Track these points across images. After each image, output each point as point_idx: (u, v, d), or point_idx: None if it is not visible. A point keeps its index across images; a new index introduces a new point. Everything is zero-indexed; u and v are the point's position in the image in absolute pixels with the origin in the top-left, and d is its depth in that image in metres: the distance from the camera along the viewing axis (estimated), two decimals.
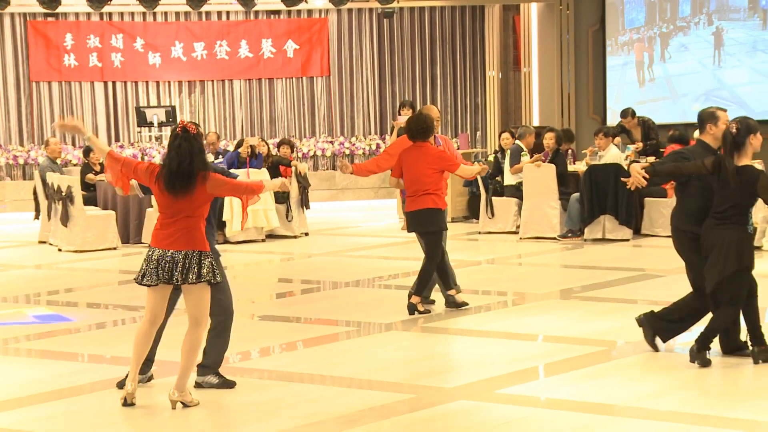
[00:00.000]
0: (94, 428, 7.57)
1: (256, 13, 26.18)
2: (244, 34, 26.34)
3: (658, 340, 9.23)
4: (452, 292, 11.46)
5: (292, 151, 19.58)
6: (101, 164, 19.09)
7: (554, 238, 17.10)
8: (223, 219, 17.10)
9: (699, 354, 8.59)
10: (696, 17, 24.10)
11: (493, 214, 18.23)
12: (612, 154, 17.32)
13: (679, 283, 11.56)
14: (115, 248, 17.26)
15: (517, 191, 17.91)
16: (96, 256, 16.61)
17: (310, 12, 26.47)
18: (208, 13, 26.10)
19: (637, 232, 17.11)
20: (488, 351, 9.61)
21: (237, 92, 26.45)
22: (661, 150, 17.87)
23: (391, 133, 18.46)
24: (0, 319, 11.74)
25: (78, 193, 17.12)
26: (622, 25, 24.79)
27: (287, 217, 18.32)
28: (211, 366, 8.39)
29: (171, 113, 24.49)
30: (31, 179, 22.24)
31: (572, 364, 8.95)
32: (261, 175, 17.45)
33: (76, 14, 25.57)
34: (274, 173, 18.50)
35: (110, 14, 25.63)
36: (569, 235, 17.12)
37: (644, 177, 8.83)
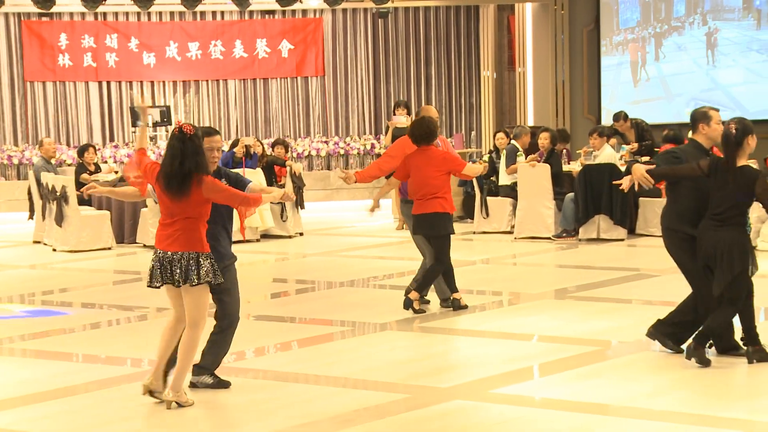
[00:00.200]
0: (90, 428, 7.57)
1: (251, 13, 26.17)
2: (239, 34, 26.32)
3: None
4: (456, 295, 11.49)
5: (287, 151, 19.57)
6: (96, 164, 19.09)
7: (549, 238, 17.11)
8: None
9: (696, 352, 8.58)
10: (690, 17, 24.12)
11: (487, 214, 18.24)
12: (606, 154, 17.33)
13: (673, 283, 11.57)
14: (109, 248, 17.25)
15: (511, 191, 17.92)
16: (90, 256, 16.61)
17: (304, 12, 26.45)
18: (202, 13, 26.09)
19: (632, 231, 17.12)
20: (483, 351, 9.62)
21: (232, 92, 26.43)
22: (656, 150, 17.87)
23: (386, 133, 18.49)
24: None
25: (72, 193, 17.11)
26: (616, 25, 24.81)
27: (282, 217, 18.32)
28: (207, 367, 8.38)
29: (166, 113, 24.46)
30: (25, 179, 22.21)
31: (567, 364, 8.95)
32: (256, 175, 17.44)
33: (71, 14, 25.54)
34: (269, 173, 18.50)
35: (105, 14, 25.61)
36: (564, 235, 17.13)
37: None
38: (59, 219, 17.12)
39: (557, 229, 17.20)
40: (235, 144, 18.51)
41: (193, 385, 8.29)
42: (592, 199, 16.71)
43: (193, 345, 7.90)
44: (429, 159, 11.19)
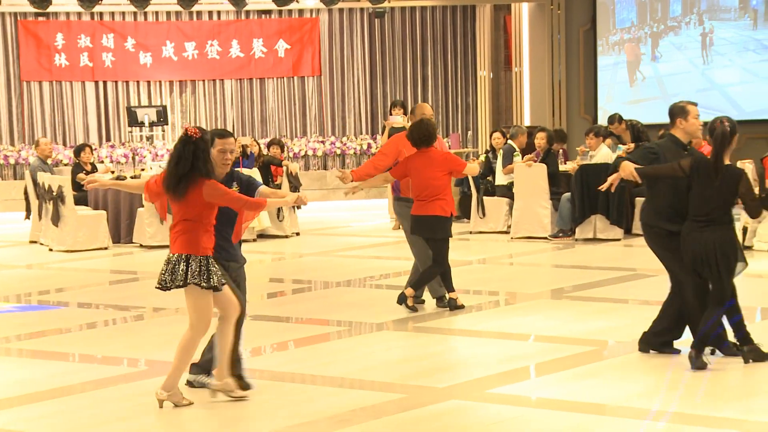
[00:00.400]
0: (86, 428, 7.56)
1: (247, 12, 26.17)
2: (235, 34, 26.32)
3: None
4: (453, 295, 11.50)
5: (282, 151, 19.58)
6: (92, 164, 19.09)
7: (545, 238, 17.11)
8: None
9: (698, 360, 8.56)
10: (687, 17, 24.14)
11: (484, 214, 18.25)
12: (603, 153, 17.33)
13: (669, 282, 11.59)
14: (106, 248, 17.24)
15: (508, 191, 17.92)
16: (87, 256, 16.60)
17: (301, 12, 26.46)
18: (199, 13, 26.09)
19: (628, 231, 17.12)
20: (479, 351, 9.62)
21: (228, 92, 26.43)
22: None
23: (383, 133, 18.47)
24: None
25: (69, 193, 17.11)
26: (613, 25, 24.82)
27: (278, 217, 18.32)
28: (203, 366, 8.37)
29: (162, 113, 24.45)
30: (22, 179, 22.21)
31: (563, 364, 8.95)
32: (252, 174, 17.43)
33: (67, 14, 25.53)
34: (266, 173, 18.50)
35: (101, 14, 25.61)
36: (560, 234, 17.14)
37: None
38: (56, 219, 17.11)
39: (554, 229, 17.21)
40: None
41: (189, 384, 8.29)
42: (588, 199, 16.71)
43: (188, 346, 7.89)
44: (430, 160, 11.20)
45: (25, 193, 19.05)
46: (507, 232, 17.75)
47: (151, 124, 24.36)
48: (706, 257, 8.56)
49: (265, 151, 19.60)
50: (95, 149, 23.13)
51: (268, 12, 26.20)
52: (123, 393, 8.41)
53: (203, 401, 8.04)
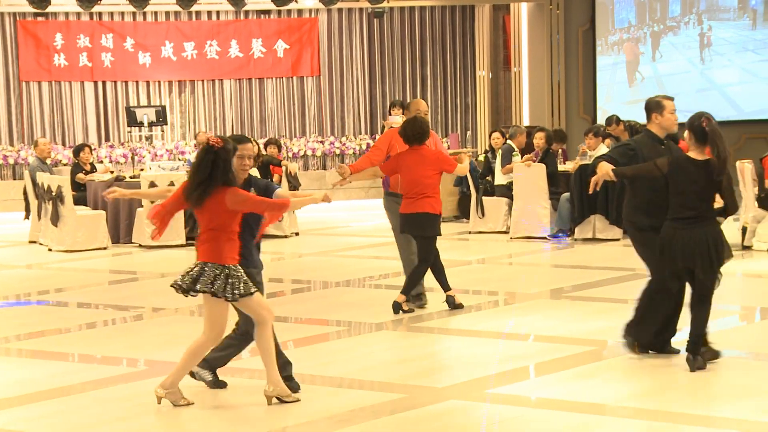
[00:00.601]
0: (86, 428, 7.56)
1: (246, 12, 26.17)
2: (235, 34, 26.32)
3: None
4: (451, 292, 11.50)
5: (279, 151, 19.58)
6: (91, 164, 19.09)
7: (544, 238, 17.11)
8: None
9: (696, 361, 8.55)
10: (686, 17, 24.15)
11: (483, 214, 18.24)
12: (602, 153, 17.31)
13: None
14: (105, 248, 17.23)
15: (507, 191, 17.92)
16: (86, 256, 16.59)
17: (300, 12, 26.46)
18: (198, 13, 26.08)
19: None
20: (479, 351, 9.62)
21: (227, 92, 26.43)
22: None
23: (382, 133, 18.45)
24: None
25: (68, 193, 17.10)
26: (612, 25, 24.83)
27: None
28: (210, 363, 8.34)
29: (161, 113, 24.46)
30: (21, 179, 22.20)
31: (563, 364, 8.95)
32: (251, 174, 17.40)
33: (66, 14, 25.53)
34: (265, 173, 18.49)
35: (100, 14, 25.60)
36: (559, 234, 17.14)
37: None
38: (55, 219, 17.11)
39: (553, 229, 17.20)
40: None
41: (191, 374, 8.26)
42: (587, 199, 16.70)
43: (198, 351, 7.89)
44: (422, 158, 11.17)
45: (25, 193, 19.04)
46: (506, 232, 17.74)
47: (150, 124, 24.37)
48: (700, 253, 8.49)
49: (263, 151, 19.58)
50: (94, 149, 23.12)
51: (267, 12, 26.21)
52: (122, 393, 8.41)
53: (203, 401, 8.04)
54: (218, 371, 8.42)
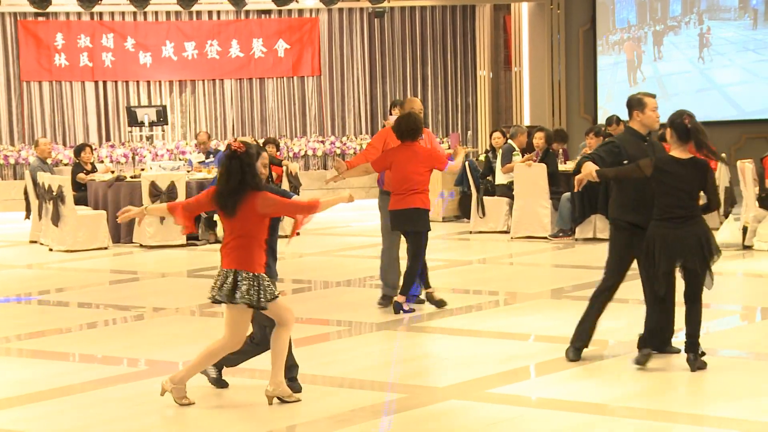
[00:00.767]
0: (86, 428, 7.57)
1: (247, 12, 26.17)
2: (235, 34, 26.31)
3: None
4: (431, 290, 11.49)
5: (278, 150, 19.58)
6: (92, 164, 19.09)
7: (545, 238, 17.11)
8: (214, 219, 17.08)
9: (697, 361, 8.55)
10: (686, 17, 24.15)
11: (484, 214, 18.24)
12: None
13: None
14: (106, 248, 17.24)
15: (508, 191, 17.92)
16: (87, 256, 16.60)
17: (300, 12, 26.46)
18: (198, 13, 26.08)
19: None
20: (479, 350, 9.62)
21: (228, 92, 26.43)
22: None
23: None
24: None
25: (69, 193, 17.11)
26: (612, 25, 24.83)
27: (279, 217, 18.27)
28: (220, 361, 8.31)
29: (162, 113, 24.47)
30: (21, 179, 22.20)
31: (563, 364, 8.95)
32: None
33: (67, 14, 25.53)
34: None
35: (101, 14, 25.60)
36: (560, 234, 17.14)
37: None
38: (56, 219, 17.11)
39: (553, 229, 17.21)
40: None
41: None
42: (588, 199, 16.70)
43: (215, 354, 7.89)
44: (414, 155, 11.15)
45: (25, 193, 19.05)
46: (507, 232, 17.74)
47: (151, 124, 24.37)
48: (694, 250, 8.46)
49: None
50: (95, 149, 23.12)
51: (268, 12, 26.21)
52: (123, 393, 8.42)
53: (204, 401, 8.04)
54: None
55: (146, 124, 24.28)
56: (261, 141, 22.38)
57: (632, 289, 12.62)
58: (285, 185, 18.30)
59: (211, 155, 20.43)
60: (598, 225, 16.82)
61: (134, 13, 25.59)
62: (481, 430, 7.25)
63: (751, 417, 7.35)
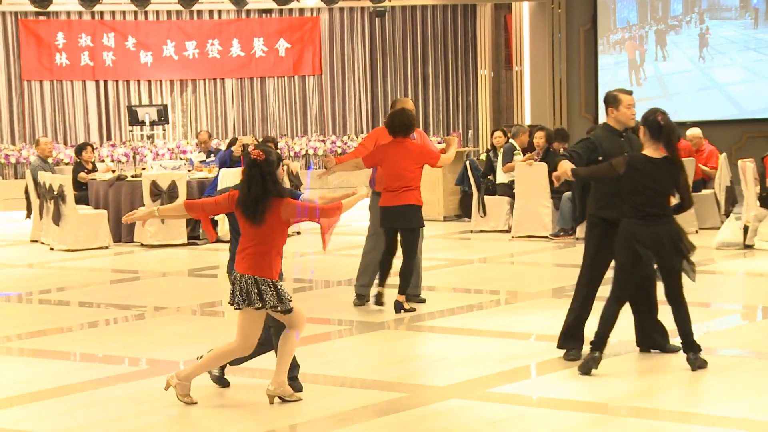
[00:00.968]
0: (87, 427, 7.57)
1: (248, 11, 26.18)
2: (236, 33, 26.33)
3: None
4: (381, 290, 11.48)
5: (276, 149, 19.57)
6: (93, 163, 19.09)
7: (546, 237, 17.11)
8: (215, 218, 17.08)
9: (697, 359, 8.54)
10: (687, 16, 24.14)
11: (485, 213, 18.24)
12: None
13: None
14: (107, 247, 17.24)
15: (509, 190, 17.93)
16: (88, 255, 16.60)
17: (302, 11, 26.47)
18: (199, 12, 26.10)
19: None
20: (480, 350, 9.61)
21: (229, 91, 26.44)
22: None
23: None
24: None
25: (70, 192, 17.11)
26: (613, 24, 24.82)
27: None
28: None
29: (163, 112, 24.47)
30: (22, 178, 22.21)
31: (565, 363, 8.95)
32: None
33: (68, 13, 25.54)
34: None
35: (102, 13, 25.62)
36: (561, 233, 17.14)
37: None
38: (56, 218, 17.12)
39: (554, 228, 17.20)
40: (232, 143, 18.50)
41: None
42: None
43: (225, 356, 7.89)
44: (406, 151, 11.15)
45: (26, 192, 19.05)
46: (508, 231, 17.74)
47: (152, 123, 24.38)
48: (666, 245, 8.44)
49: None
50: (96, 148, 23.13)
51: (269, 11, 26.21)
52: (124, 392, 8.42)
53: (205, 400, 8.04)
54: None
55: (147, 123, 24.29)
56: (260, 140, 22.39)
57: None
58: (286, 184, 18.28)
59: (212, 154, 20.43)
60: None
61: (135, 13, 25.60)
62: (482, 430, 7.25)
63: (752, 416, 7.35)
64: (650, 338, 9.10)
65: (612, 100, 9.13)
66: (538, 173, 17.23)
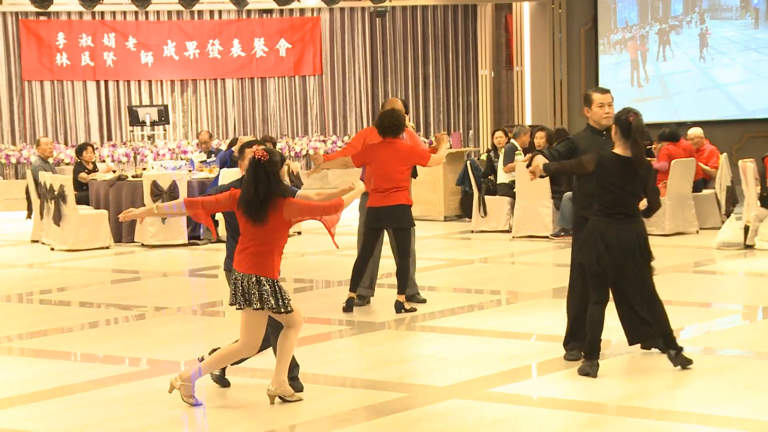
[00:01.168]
0: (88, 427, 7.57)
1: (249, 12, 26.18)
2: (237, 33, 26.33)
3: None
4: (353, 294, 11.49)
5: (274, 148, 19.56)
6: (93, 163, 19.10)
7: (547, 237, 17.11)
8: (216, 218, 17.07)
9: (678, 357, 8.55)
10: (688, 16, 24.14)
11: (485, 213, 18.24)
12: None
13: (671, 282, 11.59)
14: (107, 247, 17.24)
15: (509, 190, 17.93)
16: (88, 255, 16.60)
17: (302, 11, 26.47)
18: (200, 12, 26.10)
19: None
20: (480, 350, 9.61)
21: (229, 91, 26.44)
22: (649, 148, 17.94)
23: None
24: None
25: (70, 192, 17.12)
26: (614, 24, 24.82)
27: None
28: None
29: (163, 112, 24.48)
30: (23, 178, 22.22)
31: (565, 363, 8.95)
32: None
33: (68, 13, 25.55)
34: None
35: (102, 13, 25.63)
36: (562, 233, 17.13)
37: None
38: (57, 218, 17.12)
39: (555, 228, 17.20)
40: (233, 143, 18.51)
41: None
42: None
43: (230, 357, 7.88)
44: (396, 152, 11.15)
45: (27, 192, 19.06)
46: (509, 231, 17.74)
47: (153, 124, 24.38)
48: (632, 249, 8.43)
49: None
50: (97, 148, 23.14)
51: (270, 11, 26.21)
52: (125, 392, 8.42)
53: (206, 400, 8.03)
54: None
55: (148, 123, 24.29)
56: (259, 140, 22.38)
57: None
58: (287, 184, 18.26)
59: (213, 154, 20.43)
60: None
61: (136, 13, 25.61)
62: (482, 430, 7.25)
63: (752, 416, 7.35)
64: (640, 331, 9.05)
65: (585, 100, 9.16)
66: None
